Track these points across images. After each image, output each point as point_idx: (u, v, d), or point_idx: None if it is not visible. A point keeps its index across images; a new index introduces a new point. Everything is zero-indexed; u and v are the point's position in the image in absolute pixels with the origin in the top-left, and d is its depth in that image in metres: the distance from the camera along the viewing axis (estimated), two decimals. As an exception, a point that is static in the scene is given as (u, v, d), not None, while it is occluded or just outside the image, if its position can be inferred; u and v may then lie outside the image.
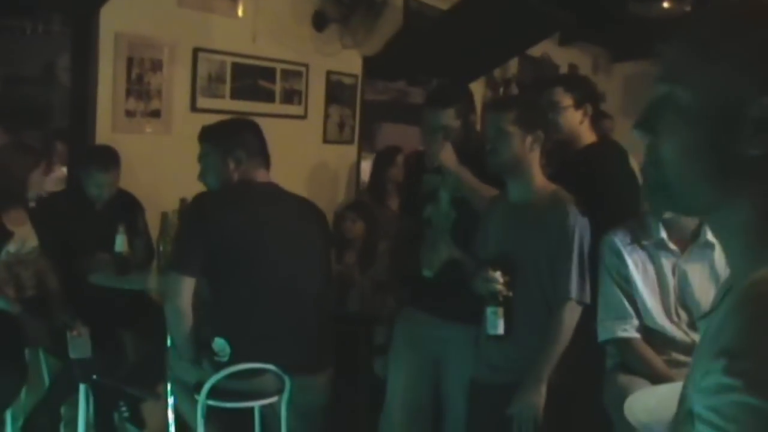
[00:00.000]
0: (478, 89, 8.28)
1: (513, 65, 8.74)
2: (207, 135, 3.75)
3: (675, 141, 1.26)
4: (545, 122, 3.65)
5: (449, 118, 3.98)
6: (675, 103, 1.25)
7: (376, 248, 5.72)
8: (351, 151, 7.10)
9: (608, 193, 3.84)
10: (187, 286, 3.44)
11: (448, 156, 3.90)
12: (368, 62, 7.09)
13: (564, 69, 9.82)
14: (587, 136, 4.16)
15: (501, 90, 8.55)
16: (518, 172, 3.56)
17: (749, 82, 1.19)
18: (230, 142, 3.64)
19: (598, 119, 4.46)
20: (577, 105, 4.12)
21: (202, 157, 3.76)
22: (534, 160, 3.55)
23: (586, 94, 4.22)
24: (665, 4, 5.69)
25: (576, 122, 4.10)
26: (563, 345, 3.43)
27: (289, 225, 3.65)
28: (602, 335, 3.52)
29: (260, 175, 3.66)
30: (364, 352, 4.96)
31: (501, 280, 3.43)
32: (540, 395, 3.41)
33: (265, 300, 3.55)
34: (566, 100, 4.10)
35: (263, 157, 3.70)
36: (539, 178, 3.59)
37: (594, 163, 3.99)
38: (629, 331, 3.46)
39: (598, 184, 3.83)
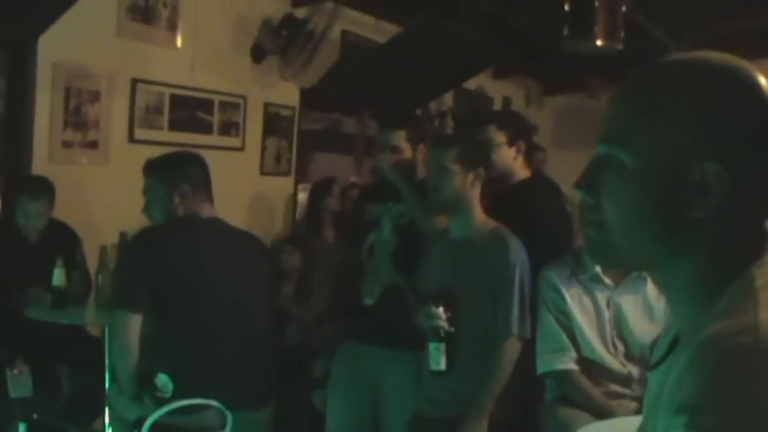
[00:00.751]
0: (413, 121, 8.36)
1: (448, 98, 8.84)
2: (151, 168, 3.73)
3: (617, 203, 1.26)
4: (486, 159, 3.73)
5: (399, 139, 4.06)
6: (617, 165, 1.25)
7: (313, 280, 5.74)
8: (288, 182, 7.12)
9: (541, 228, 3.91)
10: (133, 323, 3.42)
11: (396, 169, 3.99)
12: (305, 94, 7.13)
13: (498, 101, 9.97)
14: (521, 172, 4.22)
15: (436, 122, 8.64)
16: (459, 209, 3.62)
17: (692, 146, 1.20)
18: (175, 176, 3.62)
19: (531, 152, 4.55)
20: (511, 142, 4.18)
21: (146, 191, 3.74)
22: (475, 196, 3.62)
23: (519, 131, 4.29)
24: (598, 42, 5.78)
25: (510, 159, 4.15)
26: (504, 379, 3.48)
27: (234, 260, 3.65)
28: (541, 367, 3.58)
29: (205, 210, 3.65)
30: (303, 385, 4.95)
31: (443, 316, 3.47)
32: (482, 429, 3.45)
33: (210, 336, 3.53)
34: (500, 137, 4.16)
35: (207, 192, 3.70)
36: (480, 215, 3.65)
37: (527, 199, 4.06)
38: (567, 363, 3.52)
39: (531, 219, 3.88)
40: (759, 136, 1.22)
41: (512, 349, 3.50)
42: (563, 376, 3.53)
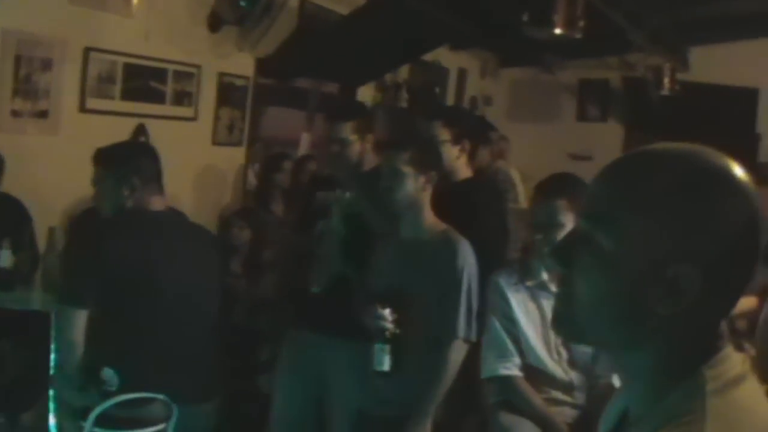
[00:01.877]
0: (368, 93, 8.35)
1: (404, 70, 8.82)
2: (101, 159, 3.68)
3: (589, 283, 1.27)
4: (439, 162, 3.74)
5: (347, 131, 4.06)
6: (595, 246, 1.26)
7: (262, 256, 5.74)
8: (240, 152, 7.08)
9: (478, 230, 3.93)
10: (79, 318, 3.40)
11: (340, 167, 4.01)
12: (260, 63, 7.06)
13: (454, 73, 9.97)
14: (463, 171, 4.25)
15: (393, 93, 8.62)
16: (410, 211, 3.65)
17: (672, 245, 1.22)
18: (125, 168, 3.58)
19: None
20: (455, 140, 4.20)
21: (95, 182, 3.70)
22: (426, 199, 3.66)
23: (466, 131, 4.32)
24: (557, 30, 5.80)
25: (452, 157, 4.17)
26: (448, 382, 3.53)
27: (183, 254, 3.63)
28: (485, 372, 3.62)
29: (155, 202, 3.62)
30: (249, 368, 4.96)
31: (389, 317, 3.50)
32: (425, 430, 3.50)
33: (157, 329, 3.52)
34: (444, 135, 4.18)
35: (158, 184, 3.66)
36: (430, 217, 3.68)
37: (468, 199, 4.08)
38: (511, 369, 3.56)
39: (469, 220, 3.90)
40: (740, 248, 1.24)
41: (457, 352, 3.55)
42: (506, 381, 3.57)
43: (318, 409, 4.17)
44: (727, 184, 1.24)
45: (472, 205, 4.05)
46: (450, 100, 9.91)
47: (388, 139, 4.35)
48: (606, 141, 10.89)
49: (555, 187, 3.51)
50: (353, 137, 4.09)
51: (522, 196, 7.29)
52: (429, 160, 3.69)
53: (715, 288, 1.22)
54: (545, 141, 9.80)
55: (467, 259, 3.57)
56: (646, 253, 1.23)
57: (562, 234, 3.35)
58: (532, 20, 5.93)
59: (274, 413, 4.27)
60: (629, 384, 1.34)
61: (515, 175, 7.22)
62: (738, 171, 1.26)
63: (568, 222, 3.36)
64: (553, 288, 3.57)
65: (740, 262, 1.25)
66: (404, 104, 8.69)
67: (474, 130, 4.50)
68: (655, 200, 1.23)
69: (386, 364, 3.51)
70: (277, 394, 4.28)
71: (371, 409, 3.72)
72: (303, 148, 7.63)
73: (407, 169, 3.59)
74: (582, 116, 11.29)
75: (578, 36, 5.93)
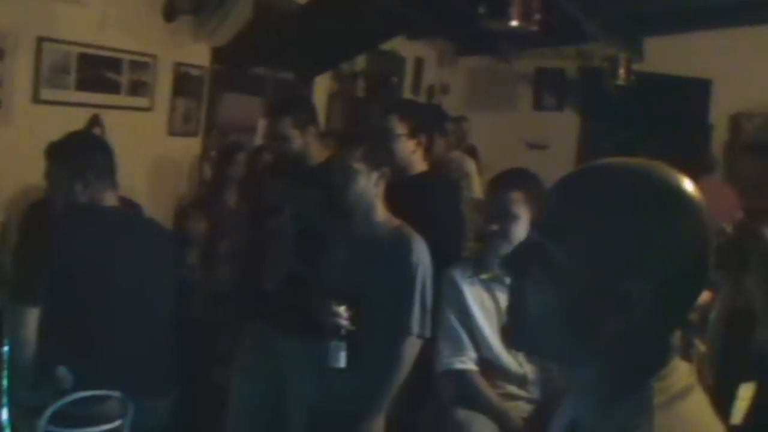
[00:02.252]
0: (324, 82, 8.34)
1: (361, 59, 8.80)
2: (54, 154, 3.64)
3: (540, 294, 1.28)
4: (391, 158, 3.75)
5: (286, 127, 4.07)
6: (548, 258, 1.27)
7: (218, 248, 5.72)
8: (196, 143, 7.02)
9: (434, 224, 3.95)
10: (32, 317, 3.36)
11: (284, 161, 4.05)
12: (216, 53, 7.02)
13: (411, 62, 9.96)
14: (419, 164, 4.27)
15: (349, 82, 8.61)
16: (364, 208, 3.65)
17: (624, 261, 1.23)
18: (78, 163, 3.54)
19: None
20: (411, 134, 4.21)
21: (47, 176, 3.66)
22: (379, 195, 3.66)
23: (422, 124, 4.34)
24: (513, 23, 5.84)
25: (408, 151, 4.19)
26: (402, 378, 3.56)
27: (136, 251, 3.60)
28: (440, 366, 3.63)
29: (108, 198, 3.59)
30: (205, 361, 4.95)
31: (345, 314, 3.51)
32: (379, 426, 3.53)
33: (111, 327, 3.50)
34: (400, 128, 4.19)
35: (111, 179, 3.63)
36: (383, 213, 3.69)
37: (423, 193, 4.10)
38: (466, 363, 3.57)
39: (424, 214, 3.91)
40: (691, 264, 1.26)
41: (411, 348, 3.57)
42: (461, 375, 3.58)
43: (276, 403, 4.17)
44: (680, 202, 1.25)
45: (428, 199, 4.07)
46: (407, 89, 9.91)
47: (340, 136, 4.35)
48: (562, 130, 11.02)
49: (510, 179, 3.55)
50: (293, 132, 4.11)
51: (477, 187, 7.30)
52: (381, 156, 3.70)
53: (665, 303, 1.24)
54: (502, 130, 9.87)
55: (421, 255, 3.58)
56: (598, 267, 1.24)
57: (516, 226, 3.39)
58: (488, 13, 5.96)
59: (231, 406, 4.27)
60: (578, 396, 1.35)
61: (470, 166, 7.23)
62: (691, 189, 1.27)
63: (523, 214, 3.39)
64: (508, 280, 3.58)
65: (691, 279, 1.27)
66: (361, 94, 8.69)
67: (430, 122, 4.50)
68: (608, 215, 1.24)
69: (342, 361, 3.52)
70: (235, 388, 4.29)
71: (326, 405, 3.73)
72: (261, 135, 7.58)
73: (359, 166, 3.60)
74: (538, 105, 11.37)
75: (534, 28, 5.97)
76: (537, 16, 5.95)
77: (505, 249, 3.40)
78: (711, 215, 1.28)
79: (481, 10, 5.93)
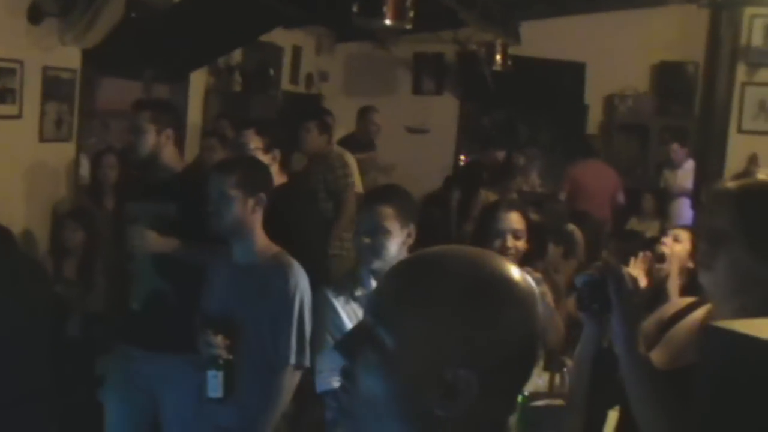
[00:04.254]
0: (201, 78, 8.22)
1: (237, 52, 8.70)
2: None
3: (370, 379, 1.29)
4: (269, 183, 3.73)
5: (143, 119, 4.08)
6: (378, 342, 1.29)
7: (97, 261, 5.60)
8: (69, 148, 6.83)
9: (296, 234, 3.99)
10: None
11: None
12: (88, 55, 6.84)
13: (288, 51, 9.88)
14: (277, 178, 4.25)
15: (226, 76, 8.50)
16: (241, 235, 3.63)
17: (451, 349, 1.25)
18: None
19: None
20: (267, 149, 4.27)
21: None
22: (256, 221, 3.63)
23: (277, 140, 4.41)
24: (387, 22, 5.85)
25: None
26: (281, 408, 3.55)
27: (7, 290, 3.52)
28: (320, 386, 3.62)
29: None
30: (87, 381, 4.84)
31: (222, 344, 3.47)
32: None
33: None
34: (256, 143, 4.23)
35: None
36: (262, 240, 3.66)
37: (282, 205, 4.09)
38: (345, 382, 3.59)
39: (286, 225, 3.96)
40: (517, 354, 1.29)
41: (290, 378, 3.55)
42: (342, 396, 3.59)
43: (152, 422, 4.14)
44: (507, 294, 1.29)
45: (289, 213, 4.10)
46: (285, 79, 9.84)
47: (216, 164, 4.30)
48: (442, 114, 11.13)
49: (382, 194, 3.55)
50: (149, 126, 4.07)
51: (358, 179, 7.31)
52: (258, 180, 3.67)
53: (493, 391, 1.27)
54: (382, 115, 9.87)
55: (299, 283, 3.57)
56: (425, 354, 1.26)
57: (387, 241, 3.38)
58: (361, 12, 5.96)
59: (107, 427, 4.21)
60: None
61: (350, 159, 7.22)
62: (519, 279, 1.31)
63: (395, 230, 3.39)
64: None
65: (517, 367, 1.31)
66: (238, 88, 8.59)
67: (284, 139, 4.56)
68: (436, 304, 1.27)
69: (219, 391, 3.49)
70: (109, 408, 4.23)
71: (207, 436, 3.71)
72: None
73: (235, 193, 3.56)
74: (418, 90, 11.43)
75: (408, 27, 6.01)
76: (410, 14, 5.97)
77: (377, 265, 3.42)
78: (537, 304, 1.32)
79: (354, 9, 5.91)
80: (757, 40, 7.68)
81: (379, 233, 3.38)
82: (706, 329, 1.58)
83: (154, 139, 4.09)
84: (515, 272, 1.32)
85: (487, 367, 1.26)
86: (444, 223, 6.86)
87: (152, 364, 4.01)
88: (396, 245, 3.40)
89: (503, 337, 1.27)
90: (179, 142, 4.27)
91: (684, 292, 3.43)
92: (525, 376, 1.34)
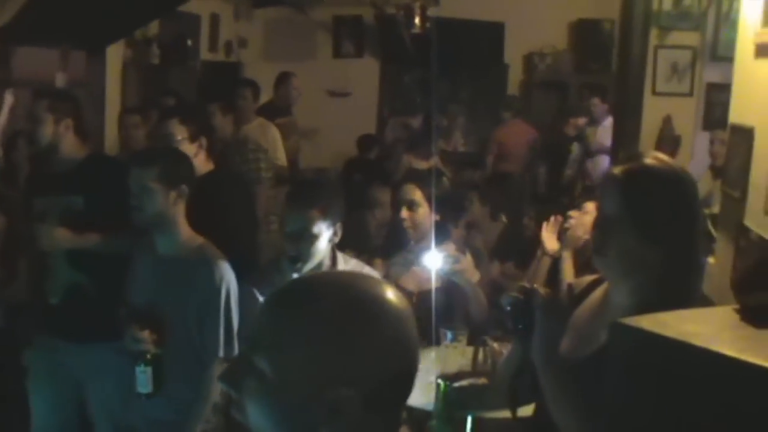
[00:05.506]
0: (118, 51, 8.09)
1: (154, 24, 8.56)
2: None
3: (256, 406, 1.34)
4: (190, 174, 3.71)
5: (41, 109, 4.06)
6: (258, 371, 1.33)
7: (18, 245, 5.50)
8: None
9: (224, 222, 4.00)
10: None
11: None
12: (1, 32, 6.68)
13: (206, 19, 9.76)
14: (203, 166, 4.27)
15: (143, 49, 8.37)
16: (163, 227, 3.61)
17: (328, 371, 1.30)
18: None
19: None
20: (193, 138, 4.24)
21: None
22: (179, 213, 3.62)
23: (202, 127, 4.39)
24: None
25: (191, 155, 4.12)
26: (211, 402, 3.55)
27: None
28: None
29: None
30: (13, 374, 4.79)
31: (149, 339, 3.46)
32: None
33: None
34: (181, 133, 4.21)
35: None
36: (185, 231, 3.65)
37: (212, 194, 4.09)
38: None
39: (214, 213, 3.95)
40: (393, 368, 1.34)
41: (218, 370, 3.49)
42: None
43: (79, 412, 4.14)
44: (379, 313, 1.34)
45: (216, 202, 4.10)
46: (204, 47, 9.71)
47: (134, 156, 4.26)
48: (363, 76, 11.13)
49: (307, 196, 3.56)
50: (47, 115, 4.05)
51: (282, 153, 7.29)
52: (178, 172, 3.64)
53: (376, 407, 1.32)
54: (303, 79, 9.80)
55: (225, 275, 3.55)
56: (304, 378, 1.31)
57: (314, 246, 3.42)
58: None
59: (34, 421, 4.20)
60: None
61: (267, 135, 7.16)
62: (391, 298, 1.37)
63: (321, 232, 3.43)
64: None
65: (397, 383, 1.36)
66: (156, 60, 8.47)
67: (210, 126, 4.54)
68: (310, 330, 1.31)
69: (149, 386, 3.47)
70: (34, 402, 4.22)
71: (139, 428, 3.72)
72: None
73: (155, 186, 3.54)
74: (338, 53, 11.38)
75: None
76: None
77: (305, 266, 3.46)
78: (411, 320, 1.38)
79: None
80: (667, 5, 7.85)
81: (305, 238, 3.40)
82: (612, 327, 1.62)
83: (52, 129, 4.05)
84: (388, 292, 1.38)
85: (365, 385, 1.31)
86: (365, 188, 6.86)
87: (76, 355, 4.02)
88: (322, 246, 3.45)
89: (379, 355, 1.32)
90: (81, 132, 4.18)
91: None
92: (405, 391, 1.39)
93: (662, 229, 2.19)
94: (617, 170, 2.26)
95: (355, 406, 1.29)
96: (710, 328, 1.58)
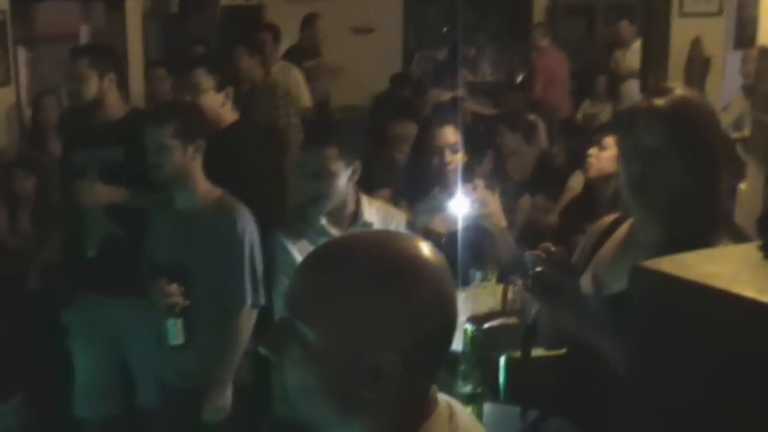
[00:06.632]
0: (137, 1, 7.97)
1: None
2: None
3: (298, 372, 1.35)
4: (205, 129, 3.68)
5: (83, 68, 4.03)
6: (301, 337, 1.33)
7: (49, 207, 5.52)
8: (9, 92, 6.68)
9: (252, 173, 3.97)
10: None
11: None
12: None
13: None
14: (228, 117, 4.23)
15: None
16: (182, 183, 3.61)
17: (369, 336, 1.31)
18: None
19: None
20: (219, 87, 4.18)
21: None
22: (197, 167, 3.61)
23: (228, 76, 4.31)
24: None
25: (217, 105, 4.14)
26: (242, 348, 3.58)
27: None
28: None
29: None
30: (54, 332, 4.82)
31: (177, 292, 3.48)
32: (225, 399, 3.57)
33: None
34: (207, 82, 4.15)
35: None
36: (203, 185, 3.64)
37: (236, 146, 4.07)
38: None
39: (241, 165, 3.94)
40: (434, 329, 1.35)
41: (247, 318, 3.57)
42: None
43: (121, 367, 4.17)
44: (417, 274, 1.34)
45: (240, 153, 4.06)
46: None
47: (149, 113, 4.23)
48: (386, 12, 10.91)
49: (323, 134, 3.51)
50: (91, 73, 4.02)
51: (306, 95, 7.20)
52: (194, 127, 3.62)
53: (416, 367, 1.33)
54: (325, 18, 9.72)
55: (246, 224, 3.55)
56: (346, 344, 1.31)
57: (333, 185, 3.36)
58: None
59: (77, 377, 4.25)
60: None
61: (294, 79, 7.07)
62: (428, 257, 1.36)
63: (339, 170, 3.37)
64: (333, 231, 3.43)
65: (436, 341, 1.37)
66: (175, 9, 8.40)
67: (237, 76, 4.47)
68: (349, 295, 1.32)
69: (180, 338, 3.51)
70: (77, 359, 4.26)
71: (173, 382, 3.74)
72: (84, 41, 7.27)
73: (172, 143, 3.52)
74: (359, -12, 11.17)
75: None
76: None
77: (326, 206, 3.42)
78: (448, 277, 1.37)
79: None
80: None
81: (323, 176, 3.35)
82: (632, 271, 1.58)
83: (96, 85, 4.03)
84: (424, 250, 1.37)
85: (406, 347, 1.31)
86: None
87: (115, 310, 4.03)
88: (342, 185, 3.40)
89: (417, 315, 1.32)
90: (125, 84, 4.16)
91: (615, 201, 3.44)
92: (444, 349, 1.40)
93: (705, 161, 2.20)
94: (660, 103, 2.21)
95: (395, 367, 1.30)
96: (731, 267, 1.53)
